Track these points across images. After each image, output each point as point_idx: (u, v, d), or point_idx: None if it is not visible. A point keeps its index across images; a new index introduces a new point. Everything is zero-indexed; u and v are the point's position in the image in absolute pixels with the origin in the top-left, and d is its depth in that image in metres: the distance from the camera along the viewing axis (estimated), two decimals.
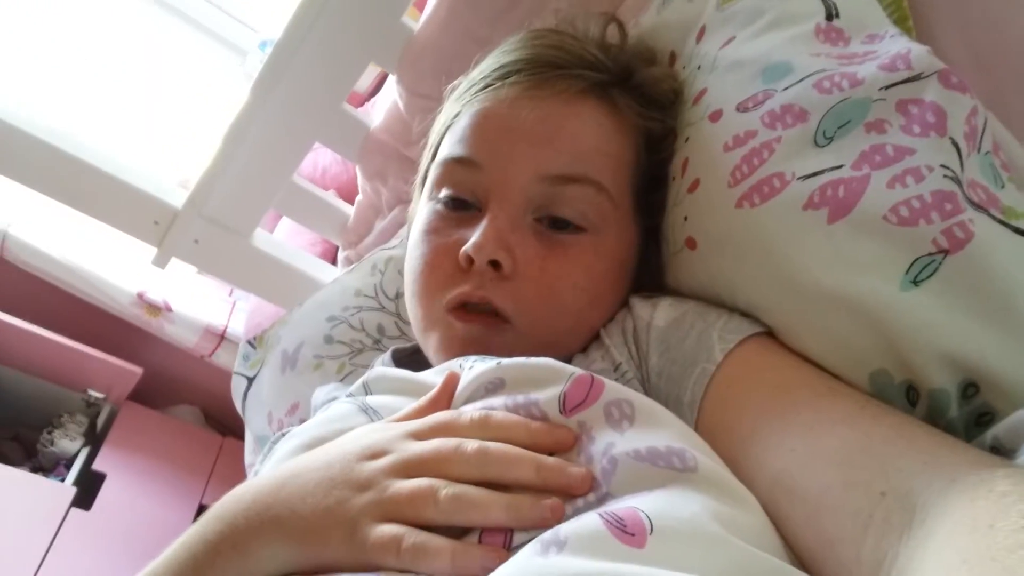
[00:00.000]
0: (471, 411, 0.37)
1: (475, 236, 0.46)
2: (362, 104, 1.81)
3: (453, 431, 0.36)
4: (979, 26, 0.48)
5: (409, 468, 0.34)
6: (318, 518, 0.33)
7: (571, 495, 0.32)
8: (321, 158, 1.62)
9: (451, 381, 0.40)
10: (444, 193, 0.51)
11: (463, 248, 0.46)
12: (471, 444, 0.34)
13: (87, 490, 1.32)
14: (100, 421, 1.49)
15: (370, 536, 0.32)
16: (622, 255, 0.51)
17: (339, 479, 0.34)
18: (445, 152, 0.52)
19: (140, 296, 1.45)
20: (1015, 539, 0.22)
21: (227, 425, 1.69)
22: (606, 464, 0.33)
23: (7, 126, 0.81)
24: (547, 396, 0.36)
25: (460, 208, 0.50)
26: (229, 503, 0.36)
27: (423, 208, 0.53)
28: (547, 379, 0.37)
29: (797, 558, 0.33)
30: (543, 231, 0.48)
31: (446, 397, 0.40)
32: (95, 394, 1.48)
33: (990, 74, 0.46)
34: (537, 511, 0.31)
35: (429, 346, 0.50)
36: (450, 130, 0.53)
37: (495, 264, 0.46)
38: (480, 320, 0.47)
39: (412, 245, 0.52)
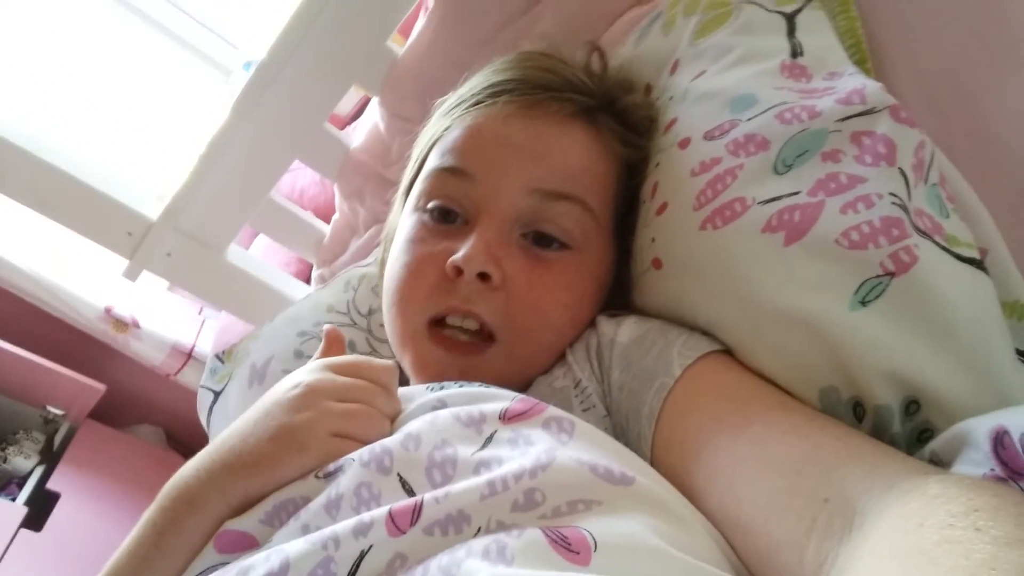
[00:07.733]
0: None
1: (465, 248, 0.47)
2: (343, 128, 1.83)
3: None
4: (932, 71, 0.51)
5: (336, 393, 0.39)
6: (264, 444, 0.37)
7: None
8: (300, 179, 1.63)
9: (330, 333, 0.47)
10: (431, 204, 0.51)
11: (452, 258, 0.47)
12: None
13: (39, 511, 1.27)
14: (58, 439, 1.44)
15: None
16: (600, 274, 0.52)
17: (275, 411, 0.39)
18: (435, 162, 0.52)
19: (108, 311, 1.42)
20: (941, 534, 0.23)
21: (190, 447, 1.66)
22: (543, 458, 0.33)
23: None
24: (491, 407, 0.38)
25: (446, 220, 0.51)
26: (180, 473, 0.39)
27: (407, 219, 0.53)
28: (492, 397, 0.39)
29: (745, 565, 0.34)
30: (528, 247, 0.49)
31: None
32: (54, 410, 1.45)
33: (939, 115, 0.49)
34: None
35: (405, 363, 0.51)
36: (439, 142, 0.53)
37: (483, 276, 0.47)
38: (459, 349, 0.48)
39: (394, 255, 0.53)
